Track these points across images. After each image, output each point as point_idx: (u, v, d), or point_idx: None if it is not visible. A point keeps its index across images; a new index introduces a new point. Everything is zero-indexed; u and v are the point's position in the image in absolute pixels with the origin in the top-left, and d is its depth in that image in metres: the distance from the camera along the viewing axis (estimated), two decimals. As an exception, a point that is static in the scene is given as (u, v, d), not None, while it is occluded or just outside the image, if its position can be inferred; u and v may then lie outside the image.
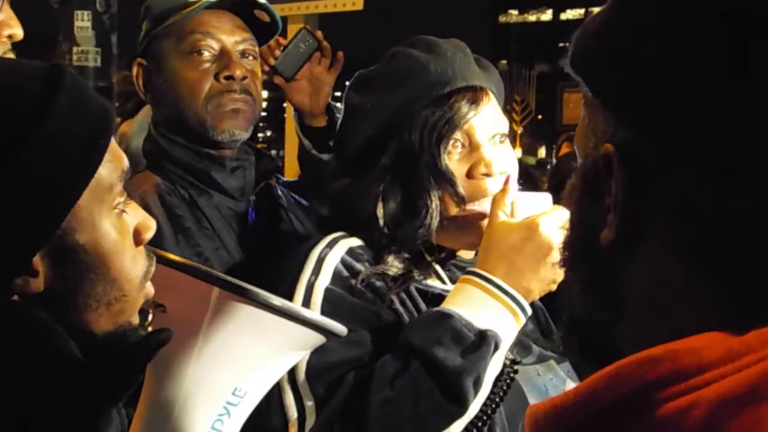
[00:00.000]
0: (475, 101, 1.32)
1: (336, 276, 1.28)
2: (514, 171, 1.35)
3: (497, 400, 1.25)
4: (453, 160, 1.31)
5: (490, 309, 1.23)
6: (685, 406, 0.42)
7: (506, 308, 1.24)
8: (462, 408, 1.20)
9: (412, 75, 1.33)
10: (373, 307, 1.28)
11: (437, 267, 1.37)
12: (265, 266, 1.34)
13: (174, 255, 0.89)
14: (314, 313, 0.88)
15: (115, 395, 0.85)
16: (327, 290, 1.27)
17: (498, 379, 1.25)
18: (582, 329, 0.61)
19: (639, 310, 0.54)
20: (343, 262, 1.30)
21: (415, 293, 1.32)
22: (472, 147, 1.32)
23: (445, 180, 1.30)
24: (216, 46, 1.56)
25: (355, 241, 1.33)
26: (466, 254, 1.41)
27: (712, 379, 0.43)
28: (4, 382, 0.77)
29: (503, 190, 1.29)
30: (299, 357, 0.93)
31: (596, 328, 0.58)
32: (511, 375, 1.27)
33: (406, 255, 1.33)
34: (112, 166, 0.86)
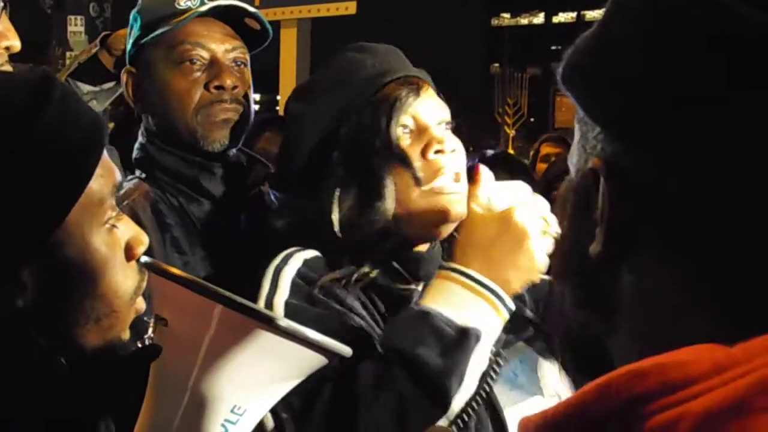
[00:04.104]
0: (415, 88, 1.33)
1: (294, 289, 1.27)
2: (463, 157, 1.36)
3: (483, 395, 1.24)
4: (405, 144, 1.31)
5: (469, 304, 1.22)
6: (673, 419, 0.43)
7: (486, 302, 1.22)
8: (445, 408, 1.19)
9: (351, 73, 1.35)
10: (336, 314, 1.26)
11: (396, 265, 1.35)
12: (255, 274, 1.34)
13: (176, 269, 0.88)
14: (319, 335, 0.87)
15: (102, 409, 0.84)
16: (287, 304, 1.25)
17: (484, 374, 1.24)
18: (576, 342, 0.61)
19: (629, 322, 0.55)
20: (299, 274, 1.29)
21: (374, 295, 1.31)
22: (419, 129, 1.33)
23: (400, 161, 1.29)
24: (206, 55, 1.55)
25: (311, 253, 1.32)
26: (422, 248, 1.39)
27: (699, 393, 0.43)
28: None
29: (476, 182, 1.28)
30: (302, 377, 0.92)
31: (590, 341, 0.59)
32: (496, 369, 1.25)
33: (365, 257, 1.31)
34: (104, 180, 0.84)
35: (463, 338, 1.19)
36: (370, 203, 1.29)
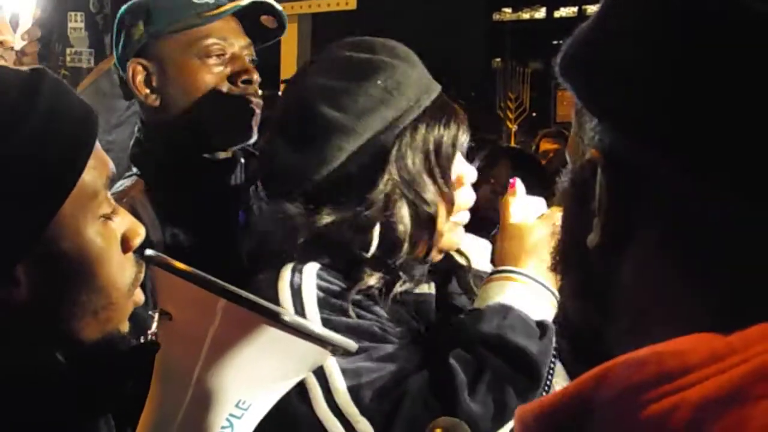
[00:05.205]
0: (461, 116, 1.33)
1: (321, 303, 1.23)
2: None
3: (547, 388, 1.29)
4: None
5: (536, 300, 1.29)
6: (669, 407, 0.43)
7: (547, 299, 1.30)
8: (539, 391, 1.24)
9: (398, 89, 1.27)
10: (376, 324, 1.26)
11: (409, 272, 1.33)
12: (254, 269, 1.33)
13: (180, 263, 0.88)
14: (324, 329, 0.86)
15: (101, 405, 0.84)
16: (323, 320, 1.22)
17: (550, 367, 1.29)
18: (574, 333, 0.62)
19: (627, 312, 0.55)
20: (320, 288, 1.25)
21: (398, 302, 1.31)
22: (455, 161, 1.33)
23: (449, 198, 1.30)
24: (229, 51, 1.55)
25: (314, 266, 1.27)
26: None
27: (696, 381, 0.43)
28: None
29: (512, 194, 1.37)
30: (306, 371, 0.92)
31: (588, 331, 0.59)
32: (554, 362, 1.30)
33: (382, 268, 1.29)
34: (97, 172, 0.84)
35: (545, 332, 1.26)
36: (423, 234, 1.29)
